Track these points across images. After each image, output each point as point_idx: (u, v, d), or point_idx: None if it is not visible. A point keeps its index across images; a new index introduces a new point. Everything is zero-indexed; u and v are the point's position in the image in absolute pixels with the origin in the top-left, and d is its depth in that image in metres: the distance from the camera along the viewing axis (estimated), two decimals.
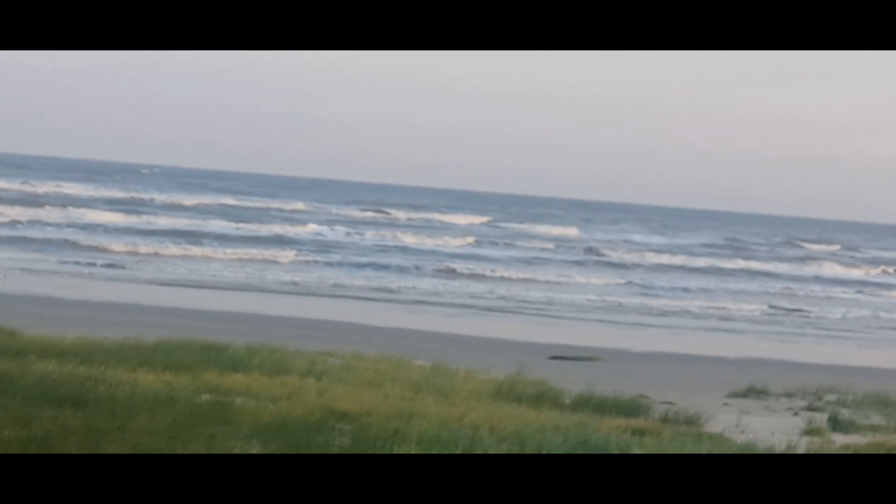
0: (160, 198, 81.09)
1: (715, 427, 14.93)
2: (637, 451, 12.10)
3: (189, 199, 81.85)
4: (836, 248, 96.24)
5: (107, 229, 56.09)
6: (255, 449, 11.05)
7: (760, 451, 12.52)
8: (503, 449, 11.54)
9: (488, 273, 50.60)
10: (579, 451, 11.81)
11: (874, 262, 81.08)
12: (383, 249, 58.88)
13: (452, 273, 49.54)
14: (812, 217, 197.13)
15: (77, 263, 41.40)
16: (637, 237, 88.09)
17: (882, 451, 13.94)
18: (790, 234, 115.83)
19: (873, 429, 16.18)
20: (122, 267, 41.19)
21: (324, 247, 57.21)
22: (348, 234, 65.70)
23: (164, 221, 62.27)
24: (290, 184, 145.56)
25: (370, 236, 65.46)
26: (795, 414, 17.66)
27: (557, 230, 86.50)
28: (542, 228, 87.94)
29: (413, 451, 10.87)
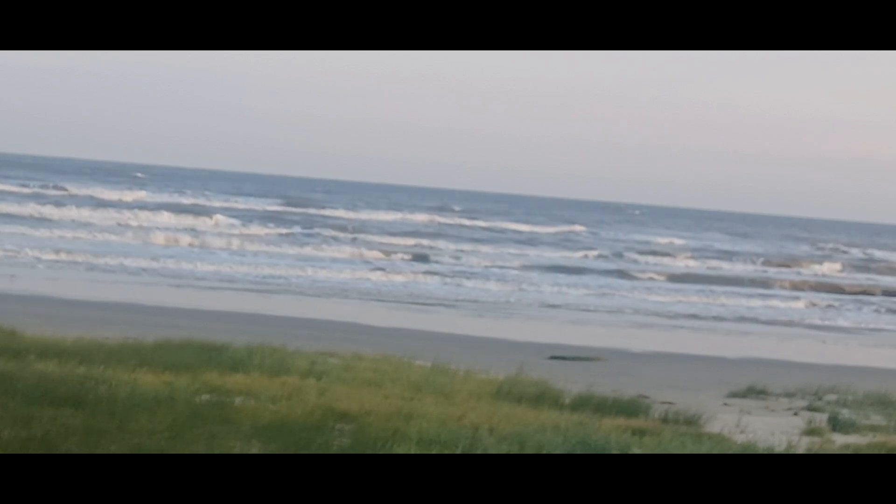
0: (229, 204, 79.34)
1: (715, 427, 14.92)
2: (637, 450, 12.10)
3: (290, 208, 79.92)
4: None
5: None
6: (255, 449, 11.04)
7: (760, 451, 12.51)
8: (503, 449, 11.54)
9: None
10: (579, 451, 11.81)
11: None
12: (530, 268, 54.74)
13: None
14: (818, 218, 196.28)
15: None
16: (744, 246, 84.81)
17: (883, 452, 13.93)
18: (846, 240, 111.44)
19: (873, 429, 16.17)
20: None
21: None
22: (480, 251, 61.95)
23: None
24: (318, 186, 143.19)
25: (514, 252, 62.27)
26: (795, 414, 17.65)
27: (662, 240, 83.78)
28: (639, 236, 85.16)
29: (413, 451, 10.87)
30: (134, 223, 59.83)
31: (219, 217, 65.91)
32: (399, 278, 45.34)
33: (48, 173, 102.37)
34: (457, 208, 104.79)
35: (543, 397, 15.85)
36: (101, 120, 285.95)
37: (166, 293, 33.95)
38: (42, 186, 79.72)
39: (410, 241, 63.56)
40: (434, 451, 10.92)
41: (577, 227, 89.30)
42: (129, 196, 77.30)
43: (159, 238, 53.90)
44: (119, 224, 59.02)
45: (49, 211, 61.43)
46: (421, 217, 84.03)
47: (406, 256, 55.78)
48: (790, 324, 39.74)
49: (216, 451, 10.67)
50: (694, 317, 39.61)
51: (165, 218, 63.35)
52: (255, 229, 62.84)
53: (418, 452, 10.79)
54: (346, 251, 55.58)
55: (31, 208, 61.92)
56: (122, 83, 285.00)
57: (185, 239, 54.70)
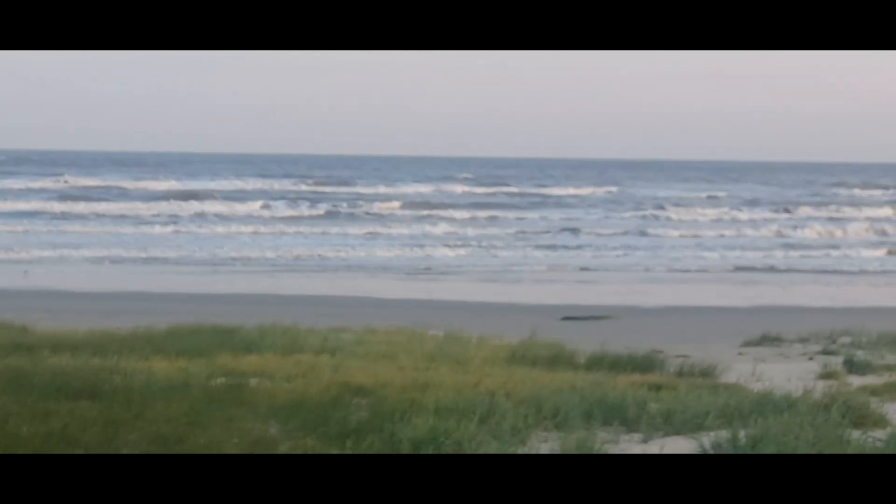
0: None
1: (731, 377, 14.92)
2: (654, 405, 12.07)
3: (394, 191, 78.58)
4: None
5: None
6: (273, 429, 11.04)
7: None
8: (521, 412, 11.53)
9: None
10: (596, 410, 11.79)
11: None
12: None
13: None
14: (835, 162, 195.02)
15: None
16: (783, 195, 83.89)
17: None
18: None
19: (889, 369, 16.16)
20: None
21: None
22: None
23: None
24: (325, 163, 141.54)
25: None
26: (810, 359, 17.65)
27: (701, 194, 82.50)
28: (679, 191, 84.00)
29: (431, 420, 10.85)
30: (168, 212, 59.90)
31: (264, 202, 65.49)
32: (442, 252, 45.09)
33: (71, 168, 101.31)
34: (467, 175, 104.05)
35: (558, 359, 15.84)
36: (106, 111, 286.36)
37: (172, 279, 33.94)
38: (103, 183, 78.73)
39: (462, 214, 63.25)
40: (452, 420, 10.89)
41: (612, 188, 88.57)
42: (162, 185, 76.83)
43: (205, 228, 53.77)
44: (153, 214, 59.05)
45: (81, 207, 61.20)
46: (457, 188, 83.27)
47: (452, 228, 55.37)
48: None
49: (234, 434, 10.67)
50: (743, 268, 39.44)
51: (220, 206, 63.15)
52: (288, 211, 62.69)
53: (436, 423, 10.77)
54: (377, 228, 54.84)
55: (66, 205, 61.66)
56: (121, 76, 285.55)
57: (225, 227, 54.40)
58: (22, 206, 60.66)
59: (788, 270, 39.98)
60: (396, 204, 67.79)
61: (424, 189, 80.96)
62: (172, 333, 17.10)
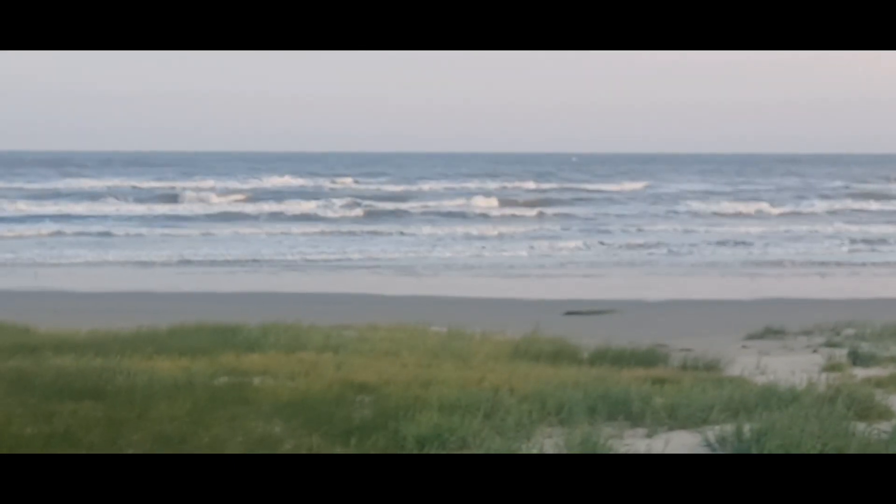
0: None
1: (734, 370, 14.90)
2: (658, 399, 12.05)
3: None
4: None
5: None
6: (277, 427, 11.02)
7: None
8: (525, 408, 11.51)
9: None
10: (600, 405, 11.77)
11: None
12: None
13: None
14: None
15: None
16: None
17: None
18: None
19: (894, 360, 16.14)
20: None
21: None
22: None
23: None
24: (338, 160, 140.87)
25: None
26: (814, 351, 17.62)
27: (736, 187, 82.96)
28: (712, 185, 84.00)
29: (435, 417, 10.84)
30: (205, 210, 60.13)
31: (313, 202, 65.44)
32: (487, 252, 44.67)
33: (85, 168, 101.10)
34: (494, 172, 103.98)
35: (561, 354, 15.82)
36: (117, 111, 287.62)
37: (174, 278, 33.94)
38: (166, 184, 78.77)
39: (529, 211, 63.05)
40: (456, 416, 10.88)
41: (648, 182, 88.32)
42: (205, 184, 76.95)
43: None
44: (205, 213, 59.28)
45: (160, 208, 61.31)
46: (492, 185, 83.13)
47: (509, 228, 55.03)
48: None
49: (238, 433, 10.66)
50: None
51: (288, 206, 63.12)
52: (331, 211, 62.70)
53: (440, 420, 10.76)
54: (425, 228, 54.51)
55: (75, 206, 61.81)
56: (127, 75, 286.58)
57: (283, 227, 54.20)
58: (33, 208, 60.75)
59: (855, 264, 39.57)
60: (456, 202, 67.35)
61: (474, 186, 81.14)
62: (175, 333, 17.08)
